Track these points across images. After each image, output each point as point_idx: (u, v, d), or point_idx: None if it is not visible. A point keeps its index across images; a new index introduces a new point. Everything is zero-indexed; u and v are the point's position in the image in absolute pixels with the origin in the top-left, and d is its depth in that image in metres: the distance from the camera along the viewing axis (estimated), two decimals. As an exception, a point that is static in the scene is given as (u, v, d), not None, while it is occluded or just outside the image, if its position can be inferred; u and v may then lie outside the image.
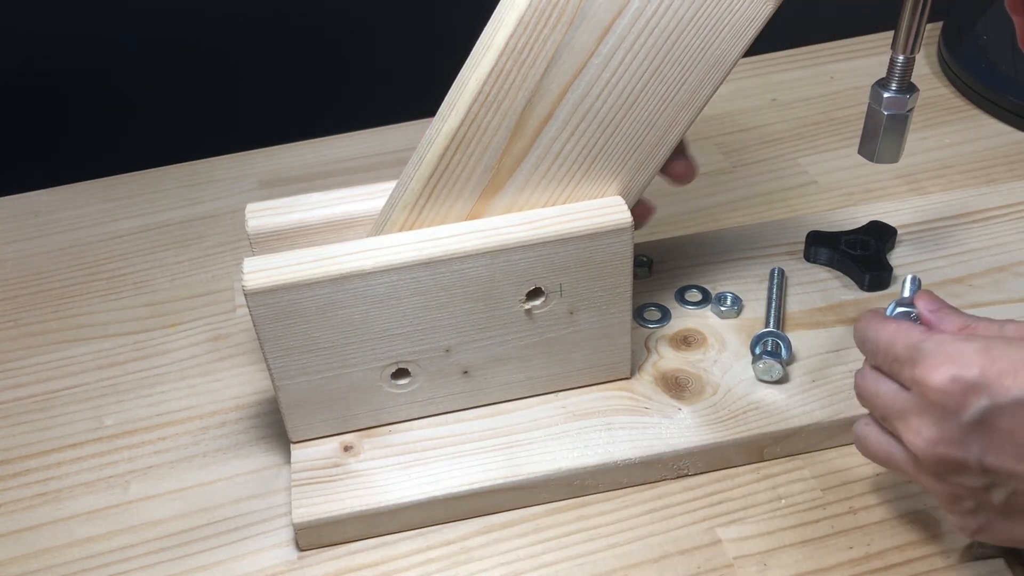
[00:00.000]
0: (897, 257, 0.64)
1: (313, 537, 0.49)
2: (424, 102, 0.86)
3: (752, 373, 0.55)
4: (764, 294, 0.60)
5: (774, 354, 0.54)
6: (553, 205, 0.50)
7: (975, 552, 0.48)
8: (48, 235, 0.74)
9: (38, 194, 0.79)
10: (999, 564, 0.48)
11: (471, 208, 0.49)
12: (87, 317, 0.66)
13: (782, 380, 0.54)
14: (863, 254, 0.62)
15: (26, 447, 0.57)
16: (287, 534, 0.51)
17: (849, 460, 0.53)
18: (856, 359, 0.55)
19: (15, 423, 0.59)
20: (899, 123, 0.52)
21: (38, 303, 0.68)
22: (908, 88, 0.52)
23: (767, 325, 0.57)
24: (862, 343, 0.44)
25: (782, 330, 0.57)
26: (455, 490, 0.50)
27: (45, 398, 0.60)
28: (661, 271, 0.63)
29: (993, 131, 0.77)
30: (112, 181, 0.79)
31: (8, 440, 0.58)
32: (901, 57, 0.51)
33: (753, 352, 0.55)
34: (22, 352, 0.64)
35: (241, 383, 0.60)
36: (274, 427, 0.56)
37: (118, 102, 0.90)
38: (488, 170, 0.48)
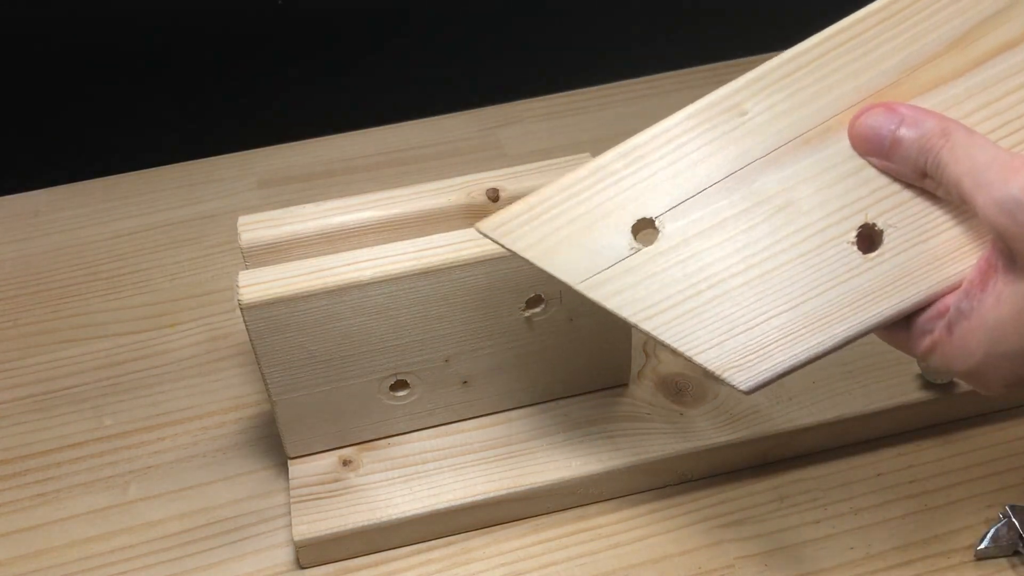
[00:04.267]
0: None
1: (315, 554, 0.49)
2: (424, 102, 0.87)
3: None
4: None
5: None
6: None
7: (977, 552, 0.48)
8: (48, 235, 0.74)
9: (38, 194, 0.78)
10: (1000, 564, 0.48)
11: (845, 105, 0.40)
12: (87, 317, 0.66)
13: None
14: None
15: (26, 447, 0.57)
16: (287, 534, 0.51)
17: (850, 461, 0.53)
18: (854, 360, 0.55)
19: (15, 423, 0.59)
20: None
21: (38, 303, 0.68)
22: None
23: None
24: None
25: None
26: (457, 502, 0.50)
27: (45, 398, 0.60)
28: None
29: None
30: (112, 181, 0.79)
31: (8, 440, 0.58)
32: None
33: None
34: (22, 352, 0.64)
35: (241, 383, 0.60)
36: (274, 427, 0.56)
37: (118, 102, 0.90)
38: (894, 71, 0.39)
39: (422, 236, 0.49)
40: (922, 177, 0.38)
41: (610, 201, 0.39)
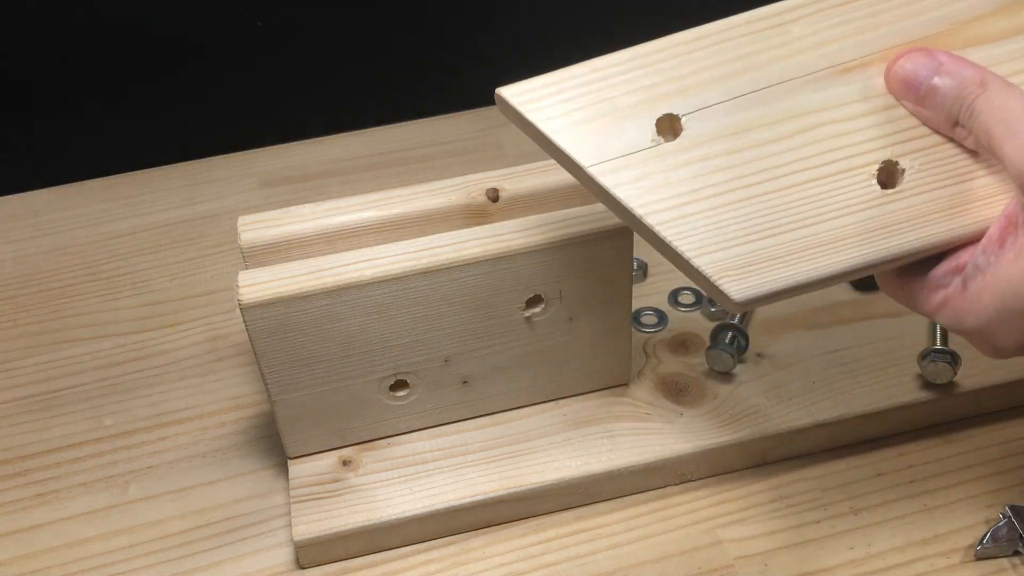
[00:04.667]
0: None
1: (315, 554, 0.49)
2: (424, 102, 0.87)
3: (752, 377, 0.55)
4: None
5: (728, 346, 0.54)
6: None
7: (977, 552, 0.48)
8: (47, 235, 0.74)
9: (38, 194, 0.78)
10: (1001, 564, 0.48)
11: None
12: (86, 317, 0.66)
13: (731, 372, 0.55)
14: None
15: (26, 447, 0.57)
16: (286, 534, 0.51)
17: (850, 461, 0.53)
18: (854, 359, 0.55)
19: (15, 423, 0.59)
20: None
21: (37, 303, 0.68)
22: None
23: (731, 318, 0.57)
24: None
25: (746, 326, 0.57)
26: (457, 502, 0.50)
27: (45, 398, 0.60)
28: (656, 274, 0.63)
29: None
30: (112, 181, 0.79)
31: (8, 440, 0.58)
32: None
33: (711, 340, 0.55)
34: (22, 352, 0.64)
35: (240, 383, 0.60)
36: (274, 427, 0.56)
37: (118, 101, 0.90)
38: (942, 21, 0.40)
39: (422, 236, 0.49)
40: (953, 126, 0.38)
41: (640, 91, 0.39)
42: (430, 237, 0.49)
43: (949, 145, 0.38)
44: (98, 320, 0.66)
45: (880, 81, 0.39)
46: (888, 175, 0.38)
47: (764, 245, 0.37)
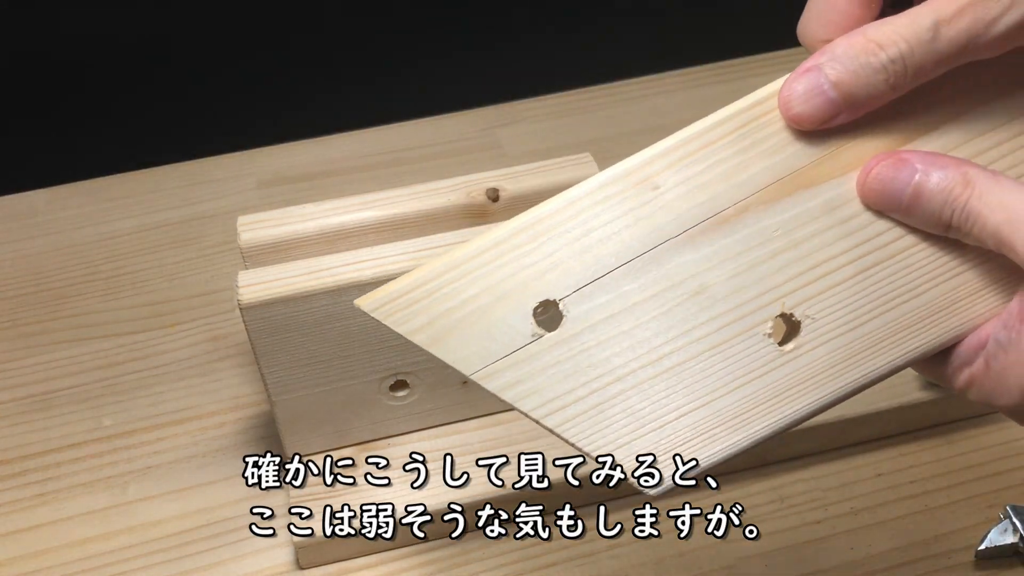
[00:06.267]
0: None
1: (315, 554, 0.49)
2: (424, 102, 0.87)
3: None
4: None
5: None
6: None
7: (977, 552, 0.48)
8: (47, 235, 0.74)
9: (37, 194, 0.78)
10: (1001, 564, 0.48)
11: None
12: (86, 317, 0.66)
13: None
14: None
15: (25, 447, 0.57)
16: (286, 534, 0.51)
17: (850, 461, 0.53)
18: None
19: (14, 423, 0.59)
20: None
21: (37, 303, 0.68)
22: None
23: None
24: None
25: None
26: (457, 503, 0.49)
27: (44, 398, 0.60)
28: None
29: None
30: (111, 181, 0.79)
31: (7, 440, 0.58)
32: None
33: None
34: (21, 352, 0.64)
35: (240, 383, 0.60)
36: (274, 427, 0.56)
37: (117, 101, 0.90)
38: (820, 146, 0.36)
39: (422, 236, 0.49)
40: (946, 229, 0.35)
41: (509, 280, 0.35)
42: (430, 237, 0.49)
43: (847, 284, 0.35)
44: (98, 320, 0.66)
45: (760, 226, 0.35)
46: (783, 331, 0.35)
47: (670, 431, 0.35)
